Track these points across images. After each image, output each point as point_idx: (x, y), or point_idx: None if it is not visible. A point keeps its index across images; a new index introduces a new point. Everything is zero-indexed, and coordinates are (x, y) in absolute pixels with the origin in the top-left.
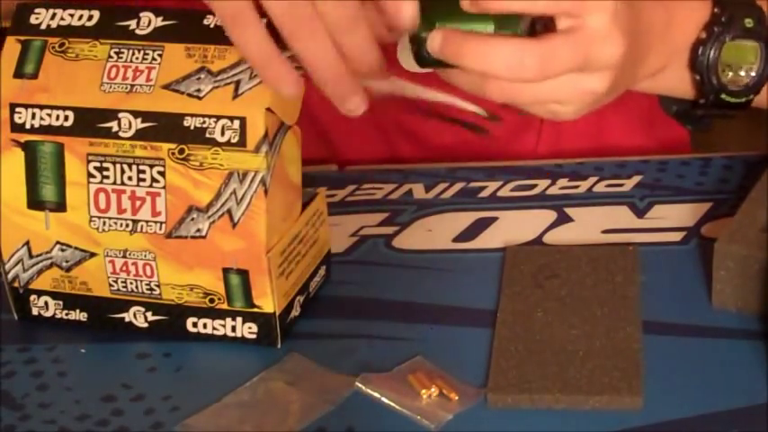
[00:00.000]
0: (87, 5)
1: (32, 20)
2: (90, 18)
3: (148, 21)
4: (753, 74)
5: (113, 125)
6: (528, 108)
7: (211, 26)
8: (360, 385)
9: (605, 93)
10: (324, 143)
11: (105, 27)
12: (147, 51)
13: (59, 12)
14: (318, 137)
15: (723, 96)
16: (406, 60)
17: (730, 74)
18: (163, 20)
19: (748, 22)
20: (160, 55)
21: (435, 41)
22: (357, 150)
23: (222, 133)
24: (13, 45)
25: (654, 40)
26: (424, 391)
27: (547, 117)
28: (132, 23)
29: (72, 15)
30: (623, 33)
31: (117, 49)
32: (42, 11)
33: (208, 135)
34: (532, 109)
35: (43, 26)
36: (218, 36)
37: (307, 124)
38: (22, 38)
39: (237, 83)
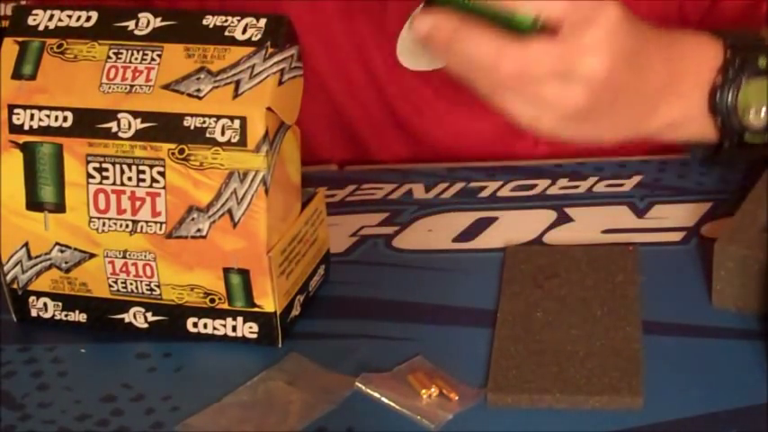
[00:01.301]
0: (85, 6)
1: (30, 21)
2: (88, 19)
3: (147, 21)
4: None
5: (113, 126)
6: (512, 105)
7: (210, 26)
8: (360, 385)
9: (583, 108)
10: (352, 143)
11: (104, 28)
12: (146, 52)
13: (57, 13)
14: (347, 137)
15: (746, 137)
16: (405, 56)
17: (751, 114)
18: (161, 20)
19: (762, 63)
20: (159, 55)
21: (423, 25)
22: (387, 150)
23: (222, 133)
24: (10, 46)
25: (663, 87)
26: (424, 391)
27: (528, 125)
28: (131, 24)
29: (70, 16)
30: (612, 54)
31: (116, 50)
32: (40, 12)
33: (208, 135)
34: (515, 109)
35: (41, 27)
36: (218, 36)
37: (335, 124)
38: (20, 39)
39: (237, 82)
